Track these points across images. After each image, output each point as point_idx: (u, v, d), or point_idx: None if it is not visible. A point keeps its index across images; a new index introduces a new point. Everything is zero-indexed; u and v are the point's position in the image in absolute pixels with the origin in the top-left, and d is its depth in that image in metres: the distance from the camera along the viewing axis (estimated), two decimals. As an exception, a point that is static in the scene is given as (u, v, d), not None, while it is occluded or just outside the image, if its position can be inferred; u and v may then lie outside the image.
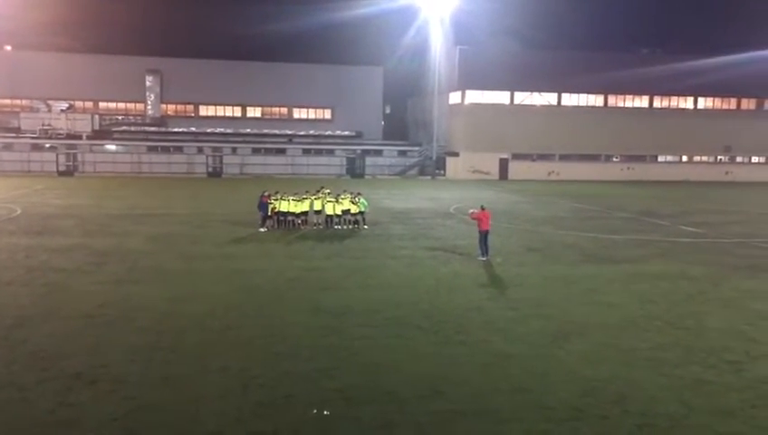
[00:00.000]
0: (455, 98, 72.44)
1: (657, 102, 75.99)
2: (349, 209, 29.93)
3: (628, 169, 74.53)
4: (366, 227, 30.26)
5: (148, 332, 14.33)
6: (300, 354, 13.11)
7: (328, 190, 31.33)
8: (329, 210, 29.63)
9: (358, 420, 10.22)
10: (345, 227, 29.92)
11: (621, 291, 19.29)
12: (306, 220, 29.96)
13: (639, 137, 73.59)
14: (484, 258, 23.29)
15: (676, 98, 76.17)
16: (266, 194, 29.67)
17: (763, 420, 10.58)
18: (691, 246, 28.10)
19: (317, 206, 29.91)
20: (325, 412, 10.15)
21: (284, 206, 29.27)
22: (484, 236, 23.56)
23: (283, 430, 9.81)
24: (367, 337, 14.31)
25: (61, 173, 62.31)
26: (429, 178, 69.30)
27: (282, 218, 29.50)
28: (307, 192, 30.77)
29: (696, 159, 77.31)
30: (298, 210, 29.43)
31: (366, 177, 67.43)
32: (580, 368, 12.67)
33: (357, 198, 30.27)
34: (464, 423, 10.18)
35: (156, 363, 12.43)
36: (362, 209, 30.34)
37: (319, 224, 30.06)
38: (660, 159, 76.89)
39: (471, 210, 25.24)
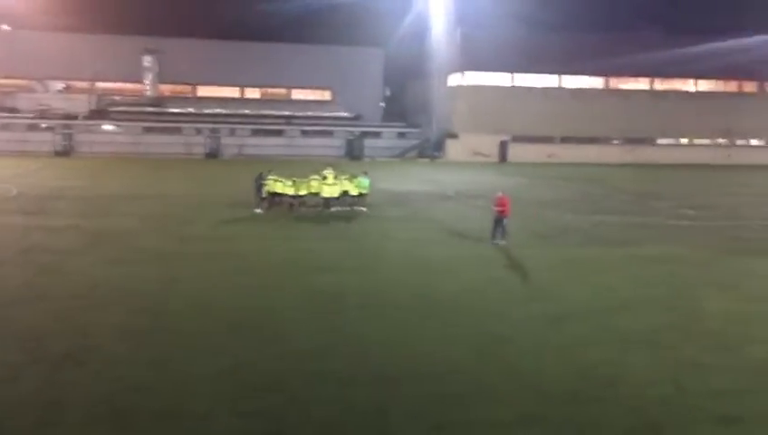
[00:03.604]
0: (455, 80, 71.89)
1: (659, 85, 75.46)
2: (347, 191, 29.62)
3: (629, 151, 74.13)
4: (365, 209, 30.02)
5: (140, 313, 14.19)
6: (294, 336, 12.98)
7: (330, 172, 30.73)
8: (327, 192, 29.29)
9: (351, 401, 10.10)
10: (343, 208, 29.62)
11: (620, 274, 19.15)
12: (304, 202, 29.65)
13: (640, 119, 73.08)
14: (501, 242, 22.79)
15: (677, 80, 75.66)
16: (262, 175, 29.42)
17: (759, 402, 10.46)
18: (691, 228, 27.92)
19: (314, 187, 29.54)
20: None
21: (279, 187, 28.97)
22: (500, 220, 22.97)
23: (273, 412, 9.70)
24: (362, 319, 14.18)
25: (57, 153, 61.91)
26: (428, 160, 68.97)
27: (278, 200, 29.26)
28: (311, 175, 30.25)
29: (697, 141, 76.95)
30: (293, 192, 29.07)
31: (365, 159, 67.04)
32: (576, 351, 12.55)
33: (361, 178, 29.89)
34: (458, 406, 10.06)
35: (146, 345, 12.30)
36: (363, 191, 29.98)
37: (317, 206, 29.73)
38: (660, 141, 76.53)
39: (498, 197, 23.50)
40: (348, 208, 29.68)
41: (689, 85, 76.25)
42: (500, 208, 22.99)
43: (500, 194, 23.50)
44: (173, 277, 17.36)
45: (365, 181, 30.37)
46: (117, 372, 10.91)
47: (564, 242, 23.96)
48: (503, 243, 22.69)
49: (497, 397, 10.44)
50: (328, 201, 29.37)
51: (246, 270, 18.46)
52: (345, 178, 30.07)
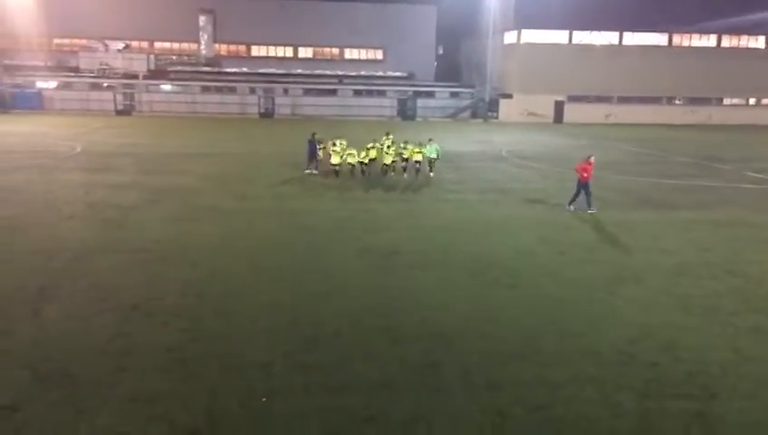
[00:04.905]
0: (510, 38, 70.19)
1: (726, 42, 71.93)
2: (409, 157, 28.56)
3: (692, 111, 71.42)
4: (432, 174, 28.78)
5: (201, 267, 14.68)
6: (348, 293, 13.24)
7: (388, 139, 29.16)
8: (387, 160, 28.06)
9: (404, 358, 10.30)
10: (405, 175, 28.56)
11: (679, 237, 18.71)
12: (363, 170, 28.33)
13: (705, 78, 70.11)
14: (592, 211, 21.60)
15: (746, 37, 71.95)
16: (315, 136, 29.19)
17: (824, 372, 10.20)
18: (755, 192, 26.94)
19: (373, 154, 28.26)
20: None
21: (336, 159, 27.60)
22: (585, 185, 21.67)
23: (329, 364, 9.99)
24: (415, 278, 14.32)
25: (118, 112, 63.66)
26: (482, 120, 68.04)
27: (337, 169, 27.96)
28: (374, 141, 29.06)
29: (765, 101, 73.44)
30: (355, 161, 27.89)
31: (417, 119, 66.60)
32: (632, 314, 12.42)
33: (428, 145, 28.80)
34: (511, 365, 10.14)
35: (208, 298, 12.75)
36: (432, 156, 28.74)
37: (366, 171, 28.69)
38: (726, 101, 73.34)
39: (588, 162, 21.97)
40: (404, 174, 28.74)
41: (759, 42, 72.37)
42: (587, 173, 21.47)
43: (592, 159, 21.86)
44: (231, 233, 17.83)
45: (432, 147, 29.04)
46: (181, 324, 11.38)
47: (623, 205, 23.48)
48: (592, 210, 21.51)
49: (551, 357, 10.47)
50: (388, 166, 28.32)
51: (302, 227, 18.80)
52: (410, 146, 28.85)
